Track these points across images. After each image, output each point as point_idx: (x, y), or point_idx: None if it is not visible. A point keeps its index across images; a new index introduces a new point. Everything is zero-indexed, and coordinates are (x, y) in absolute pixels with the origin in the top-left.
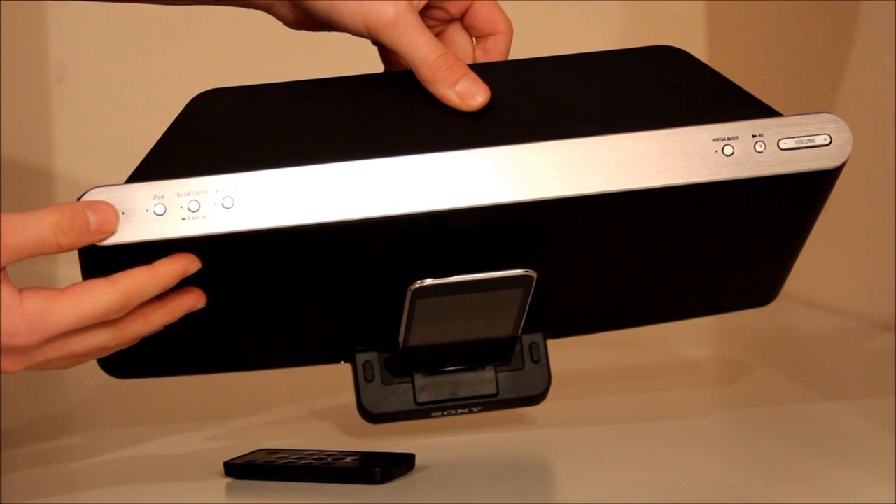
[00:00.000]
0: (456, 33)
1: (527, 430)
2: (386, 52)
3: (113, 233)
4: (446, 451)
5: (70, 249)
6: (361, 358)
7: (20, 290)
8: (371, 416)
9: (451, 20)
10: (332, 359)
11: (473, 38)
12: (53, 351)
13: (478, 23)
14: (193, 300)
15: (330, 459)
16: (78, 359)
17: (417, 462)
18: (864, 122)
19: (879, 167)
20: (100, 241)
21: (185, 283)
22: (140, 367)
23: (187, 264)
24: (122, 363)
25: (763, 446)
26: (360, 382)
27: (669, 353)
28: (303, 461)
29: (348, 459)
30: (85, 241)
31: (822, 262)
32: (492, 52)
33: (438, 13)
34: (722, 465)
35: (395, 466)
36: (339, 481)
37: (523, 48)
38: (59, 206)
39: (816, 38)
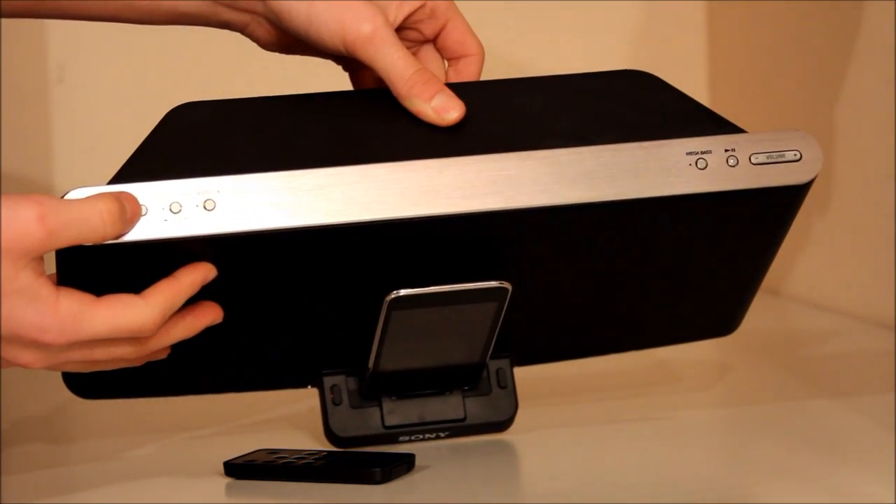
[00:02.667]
0: (429, 55)
1: (526, 432)
2: (357, 76)
3: (136, 222)
4: (446, 451)
5: (111, 239)
6: (329, 381)
7: (57, 289)
8: (338, 439)
9: (424, 42)
10: (299, 383)
11: (445, 61)
12: (76, 354)
13: (450, 44)
14: (212, 316)
15: (330, 459)
16: (97, 364)
17: (417, 462)
18: (864, 122)
19: (879, 167)
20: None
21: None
22: (105, 389)
23: (206, 272)
24: (87, 384)
25: (763, 446)
26: (328, 406)
27: (669, 352)
28: (303, 461)
29: (348, 459)
30: (124, 231)
31: (822, 262)
32: (464, 74)
33: (412, 34)
34: (721, 465)
35: (395, 466)
36: (339, 481)
37: (522, 47)
38: (104, 194)
39: (817, 39)
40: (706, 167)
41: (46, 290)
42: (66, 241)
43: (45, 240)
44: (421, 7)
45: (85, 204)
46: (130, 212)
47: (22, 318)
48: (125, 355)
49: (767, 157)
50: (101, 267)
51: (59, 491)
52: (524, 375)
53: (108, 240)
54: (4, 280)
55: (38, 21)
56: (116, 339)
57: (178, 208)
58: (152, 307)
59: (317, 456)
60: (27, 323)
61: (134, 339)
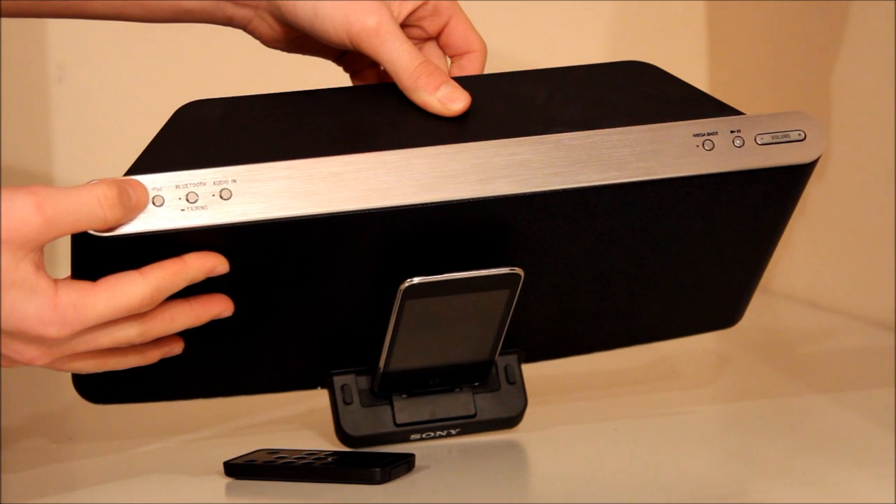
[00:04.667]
0: (432, 52)
1: (526, 432)
2: (358, 77)
3: (143, 209)
4: (446, 451)
5: (115, 225)
6: (340, 381)
7: (55, 281)
8: (350, 439)
9: (427, 39)
10: (309, 384)
11: (448, 59)
12: (81, 344)
13: (453, 41)
14: (221, 307)
15: (330, 459)
16: (102, 357)
17: (417, 462)
18: (863, 121)
19: (879, 167)
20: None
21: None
22: (115, 393)
23: (216, 263)
24: (97, 387)
25: (763, 445)
26: (339, 406)
27: (669, 351)
28: (303, 461)
29: (348, 459)
30: (129, 216)
31: (822, 262)
32: (467, 71)
33: (415, 32)
34: (721, 465)
35: (395, 466)
36: (339, 481)
37: (522, 42)
38: (102, 180)
39: (817, 38)
40: (713, 148)
41: (45, 282)
42: (64, 228)
43: (43, 228)
44: (423, 4)
45: (82, 190)
46: (136, 198)
47: (24, 311)
48: (130, 338)
49: (773, 138)
50: (117, 258)
51: (60, 490)
52: (525, 373)
53: (109, 225)
54: (5, 271)
55: (38, 20)
56: (118, 320)
57: (194, 198)
58: (149, 280)
59: (317, 456)
60: (29, 316)
61: (135, 317)
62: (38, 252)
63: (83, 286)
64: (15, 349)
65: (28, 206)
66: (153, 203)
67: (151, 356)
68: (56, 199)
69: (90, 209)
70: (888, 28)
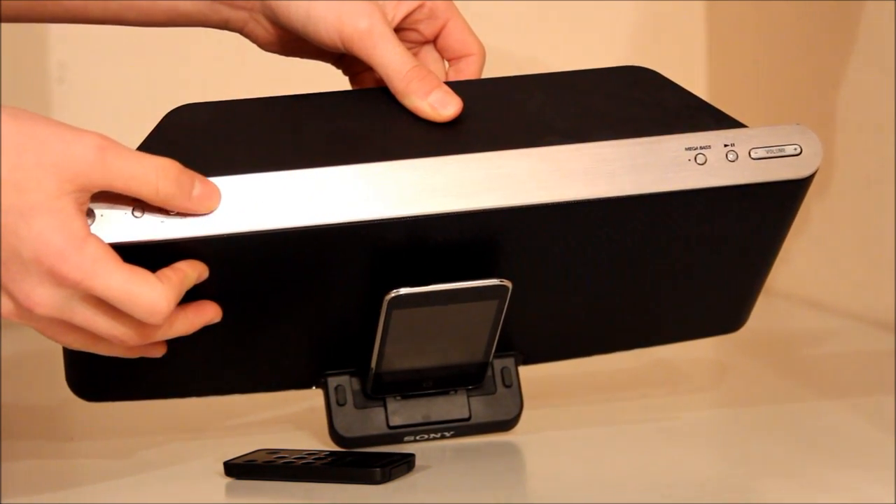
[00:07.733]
0: (429, 55)
1: (527, 433)
2: (356, 79)
3: (211, 212)
4: (446, 451)
5: (165, 202)
6: (333, 382)
7: (89, 231)
8: (343, 440)
9: (424, 42)
10: (304, 384)
11: (446, 62)
12: (80, 315)
13: (451, 44)
14: (212, 314)
15: (330, 459)
16: (95, 340)
17: (417, 462)
18: (864, 122)
19: (879, 167)
20: (196, 214)
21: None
22: (108, 391)
23: (201, 270)
24: (90, 385)
25: (763, 446)
26: (333, 407)
27: (670, 353)
28: (303, 461)
29: (348, 459)
30: (183, 204)
31: (822, 262)
32: (464, 74)
33: (412, 35)
34: (721, 466)
35: (395, 466)
36: (339, 481)
37: (522, 45)
38: (166, 158)
39: (816, 39)
40: (705, 162)
41: (79, 223)
42: (117, 181)
43: (97, 170)
44: (419, 7)
45: (144, 156)
46: (199, 193)
47: (48, 240)
48: (126, 337)
49: (767, 152)
50: None
51: (59, 489)
52: (523, 376)
53: (160, 198)
54: (47, 195)
55: None
56: (123, 316)
57: None
58: (167, 290)
59: (317, 456)
60: (51, 246)
61: (139, 322)
62: (85, 194)
63: (111, 252)
64: (23, 288)
65: (92, 144)
66: (133, 214)
67: (133, 352)
68: (118, 151)
69: (145, 173)
70: (888, 28)
